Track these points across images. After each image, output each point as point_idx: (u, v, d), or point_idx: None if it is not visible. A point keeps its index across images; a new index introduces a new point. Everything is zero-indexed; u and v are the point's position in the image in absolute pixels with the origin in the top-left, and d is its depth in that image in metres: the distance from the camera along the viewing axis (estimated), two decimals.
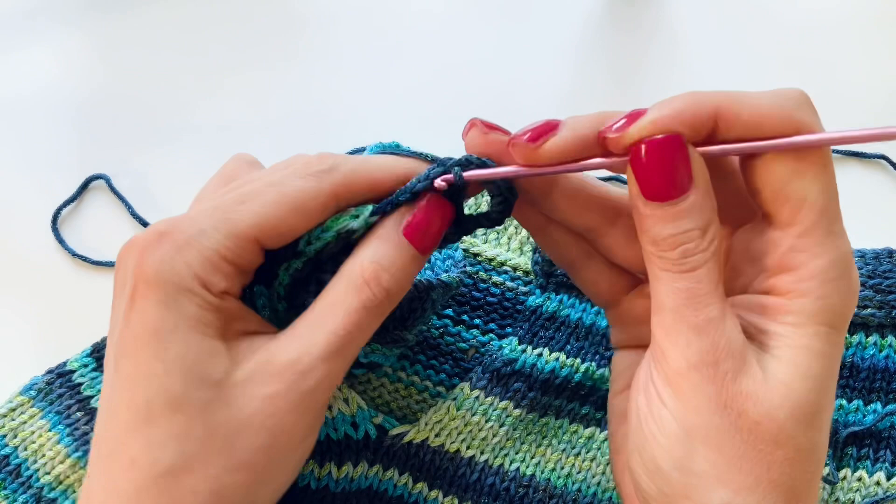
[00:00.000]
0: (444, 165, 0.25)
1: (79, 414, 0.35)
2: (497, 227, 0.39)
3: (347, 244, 0.25)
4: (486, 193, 0.27)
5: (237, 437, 0.23)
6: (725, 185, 0.25)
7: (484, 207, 0.37)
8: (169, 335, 0.23)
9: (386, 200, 0.25)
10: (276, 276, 0.25)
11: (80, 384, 0.36)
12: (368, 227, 0.25)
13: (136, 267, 0.23)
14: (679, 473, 0.22)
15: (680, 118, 0.22)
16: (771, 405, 0.22)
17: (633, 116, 0.22)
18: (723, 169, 0.25)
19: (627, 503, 0.26)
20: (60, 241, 0.42)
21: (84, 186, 0.44)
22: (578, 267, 0.28)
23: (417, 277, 0.32)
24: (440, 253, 0.36)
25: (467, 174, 0.25)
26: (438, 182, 0.25)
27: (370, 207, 0.25)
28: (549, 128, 0.23)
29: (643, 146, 0.22)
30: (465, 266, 0.36)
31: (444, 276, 0.32)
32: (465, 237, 0.38)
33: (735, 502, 0.22)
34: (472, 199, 0.38)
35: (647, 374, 0.24)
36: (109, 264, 0.42)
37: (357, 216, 0.25)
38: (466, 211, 0.27)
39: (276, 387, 0.23)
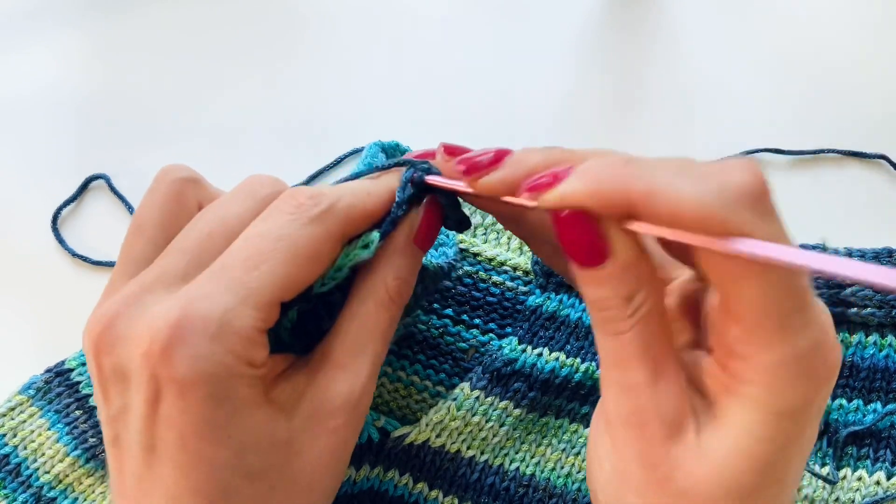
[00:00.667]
0: (412, 167, 0.27)
1: (77, 412, 0.35)
2: (498, 227, 0.39)
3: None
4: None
5: (315, 477, 0.24)
6: None
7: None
8: (227, 423, 0.22)
9: (387, 222, 0.26)
10: (284, 315, 0.25)
11: (79, 383, 0.36)
12: None
13: (162, 365, 0.21)
14: None
15: (595, 197, 0.21)
16: (699, 478, 0.21)
17: (546, 184, 0.22)
18: None
19: None
20: (60, 240, 0.42)
21: (84, 186, 0.44)
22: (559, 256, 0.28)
23: None
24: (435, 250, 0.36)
25: (430, 178, 0.26)
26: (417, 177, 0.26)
27: (376, 234, 0.26)
28: (491, 162, 0.24)
29: (557, 218, 0.21)
30: (456, 257, 0.36)
31: (434, 260, 0.32)
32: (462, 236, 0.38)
33: None
34: None
35: (596, 414, 0.25)
36: (109, 264, 0.42)
37: (367, 246, 0.25)
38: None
39: (339, 422, 0.24)
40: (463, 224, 0.29)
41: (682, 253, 0.24)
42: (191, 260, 0.23)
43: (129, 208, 0.44)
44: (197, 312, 0.21)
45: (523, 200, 0.23)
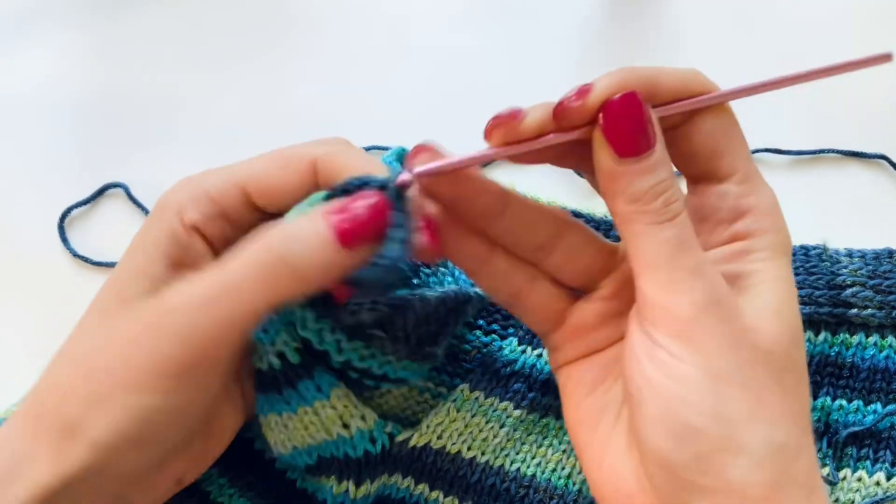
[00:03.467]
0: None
1: None
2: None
3: None
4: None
5: (99, 348, 0.25)
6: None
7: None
8: (130, 249, 0.27)
9: (338, 185, 0.25)
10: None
11: None
12: None
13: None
14: (715, 424, 0.22)
15: (627, 83, 0.24)
16: (774, 333, 0.23)
17: (585, 89, 0.24)
18: None
19: None
20: (65, 241, 0.43)
21: (100, 192, 0.44)
22: (522, 293, 0.28)
23: (447, 290, 0.31)
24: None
25: (419, 169, 0.24)
26: (402, 178, 0.24)
27: (323, 193, 0.25)
28: (519, 111, 0.25)
29: (612, 106, 0.23)
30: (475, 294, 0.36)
31: (478, 289, 0.32)
32: None
33: (773, 437, 0.22)
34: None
35: (649, 344, 0.23)
36: (110, 265, 0.42)
37: (311, 203, 0.25)
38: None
39: (145, 316, 0.25)
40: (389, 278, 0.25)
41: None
42: None
43: (146, 213, 0.44)
44: (194, 174, 0.28)
45: (545, 139, 0.24)
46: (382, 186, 0.24)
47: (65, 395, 0.24)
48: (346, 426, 0.30)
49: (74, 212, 0.44)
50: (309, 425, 0.29)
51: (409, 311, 0.29)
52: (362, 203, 0.24)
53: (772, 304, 0.24)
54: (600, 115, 0.24)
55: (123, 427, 0.24)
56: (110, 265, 0.42)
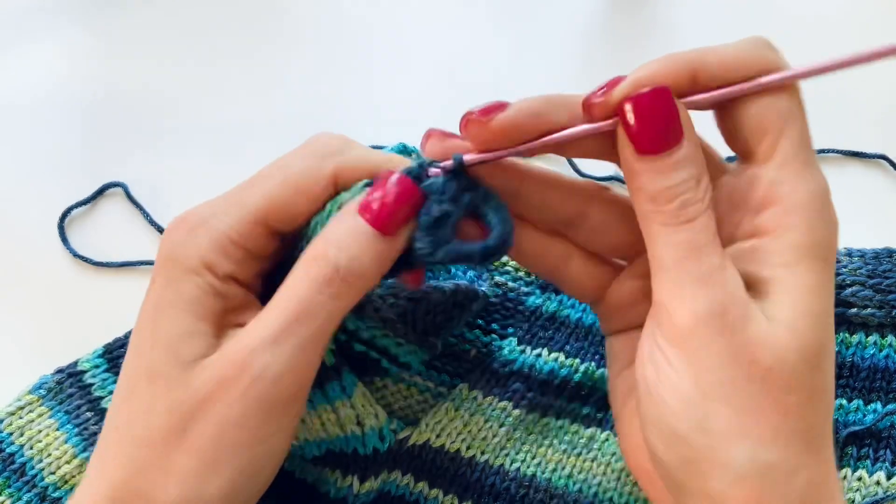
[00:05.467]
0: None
1: (89, 414, 0.35)
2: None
3: None
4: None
5: (191, 420, 0.23)
6: None
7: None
8: (163, 312, 0.24)
9: (360, 184, 0.25)
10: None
11: (91, 385, 0.36)
12: None
13: (160, 247, 0.25)
14: (698, 435, 0.22)
15: (660, 74, 0.23)
16: (780, 349, 0.22)
17: (614, 82, 0.23)
18: None
19: (646, 486, 0.26)
20: (65, 241, 0.43)
21: (100, 192, 0.44)
22: (559, 267, 0.28)
23: (458, 283, 0.32)
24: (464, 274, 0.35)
25: (468, 157, 0.24)
26: (433, 170, 0.25)
27: (363, 182, 0.25)
28: (498, 105, 0.24)
29: (633, 101, 0.22)
30: (493, 277, 0.36)
31: (485, 287, 0.32)
32: None
33: (758, 455, 0.21)
34: None
35: (652, 343, 0.24)
36: (110, 265, 0.42)
37: (351, 192, 0.25)
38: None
39: (224, 372, 0.23)
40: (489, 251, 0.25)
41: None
42: None
43: (146, 216, 0.43)
44: (195, 211, 0.25)
45: (568, 133, 0.23)
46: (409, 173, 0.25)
47: (163, 483, 0.23)
48: (360, 424, 0.30)
49: (74, 212, 0.44)
50: (326, 422, 0.30)
51: (422, 300, 0.29)
52: (385, 187, 0.24)
53: (785, 316, 0.22)
54: (624, 108, 0.23)
55: (239, 489, 0.24)
56: (110, 265, 0.42)
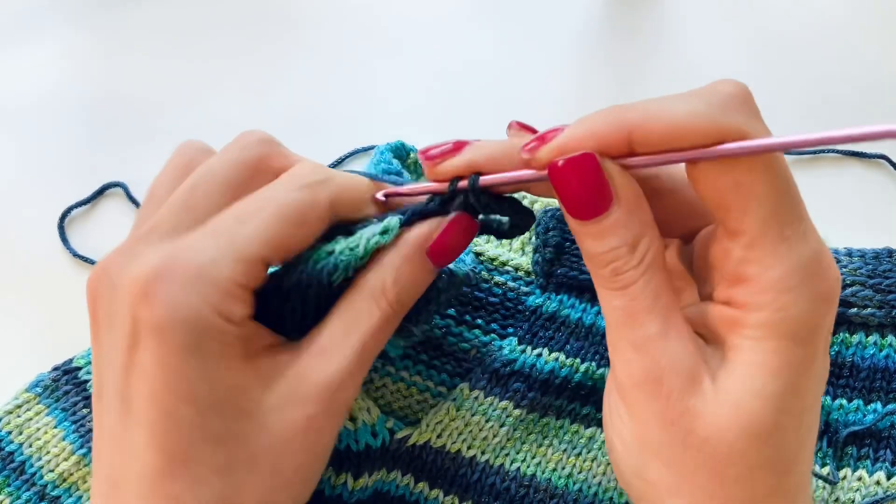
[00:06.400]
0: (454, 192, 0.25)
1: (84, 410, 0.35)
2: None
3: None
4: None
5: (281, 459, 0.23)
6: (674, 196, 0.24)
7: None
8: (196, 377, 0.22)
9: (412, 210, 0.25)
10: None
11: (86, 381, 0.36)
12: None
13: (141, 307, 0.21)
14: (637, 481, 0.23)
15: (591, 137, 0.21)
16: (720, 424, 0.21)
17: (544, 138, 0.22)
18: (672, 178, 0.24)
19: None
20: (65, 240, 0.43)
21: (100, 192, 0.45)
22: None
23: None
24: None
25: (484, 179, 0.24)
26: (461, 184, 0.25)
27: (397, 220, 0.25)
28: (454, 148, 0.24)
29: (556, 168, 0.22)
30: (473, 263, 0.36)
31: (451, 266, 0.32)
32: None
33: None
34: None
35: (610, 385, 0.24)
36: None
37: (386, 232, 0.25)
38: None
39: (313, 408, 0.23)
40: (517, 226, 0.26)
41: (672, 208, 0.24)
42: (185, 212, 0.24)
43: None
44: (181, 259, 0.22)
45: (516, 174, 0.23)
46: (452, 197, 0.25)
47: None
48: (352, 419, 0.31)
49: (74, 212, 0.44)
50: None
51: None
52: (456, 230, 0.25)
53: (735, 392, 0.21)
54: (551, 173, 0.22)
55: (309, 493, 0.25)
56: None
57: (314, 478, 0.25)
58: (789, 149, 0.20)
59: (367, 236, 0.25)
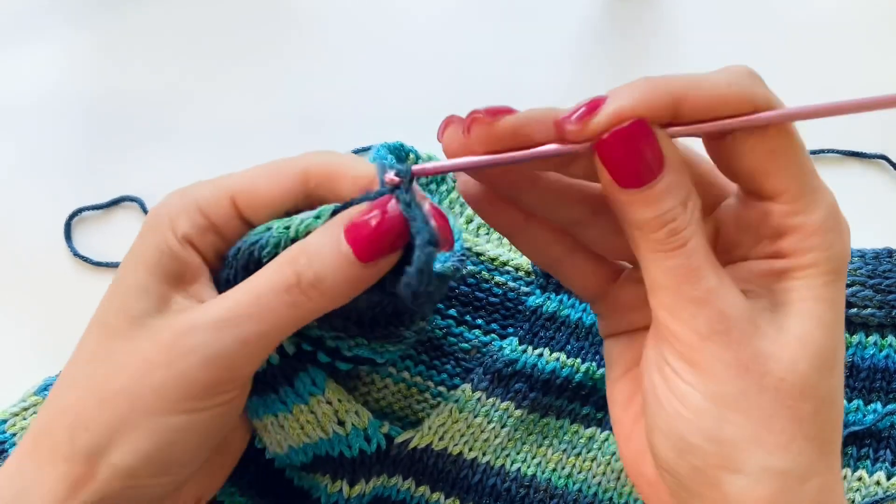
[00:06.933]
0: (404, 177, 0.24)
1: None
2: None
3: None
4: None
5: (115, 372, 0.24)
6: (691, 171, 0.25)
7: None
8: (126, 263, 0.26)
9: (348, 202, 0.25)
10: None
11: None
12: None
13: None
14: (711, 445, 0.22)
15: (641, 105, 0.22)
16: (792, 359, 0.22)
17: (593, 106, 0.22)
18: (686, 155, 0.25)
19: (647, 490, 0.26)
20: (69, 243, 0.43)
21: (115, 203, 0.44)
22: (562, 263, 0.28)
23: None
24: None
25: (416, 167, 0.24)
26: (389, 176, 0.24)
27: (329, 207, 0.25)
28: (506, 109, 0.24)
29: (610, 137, 0.22)
30: (462, 256, 0.35)
31: (438, 267, 0.31)
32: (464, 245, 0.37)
33: (772, 463, 0.22)
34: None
35: (658, 355, 0.24)
36: (111, 265, 0.42)
37: (319, 216, 0.25)
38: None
39: (163, 338, 0.24)
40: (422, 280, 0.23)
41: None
42: None
43: None
44: (190, 184, 0.27)
45: (539, 150, 0.23)
46: (391, 191, 0.24)
47: (78, 422, 0.24)
48: (341, 423, 0.30)
49: (85, 216, 0.44)
50: (305, 424, 0.30)
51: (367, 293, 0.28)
52: (376, 214, 0.24)
53: (798, 327, 0.22)
54: (601, 143, 0.22)
55: (148, 451, 0.24)
56: (111, 265, 0.42)
57: (142, 428, 0.24)
58: (829, 115, 0.22)
59: (300, 218, 0.25)
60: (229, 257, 0.26)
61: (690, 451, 0.23)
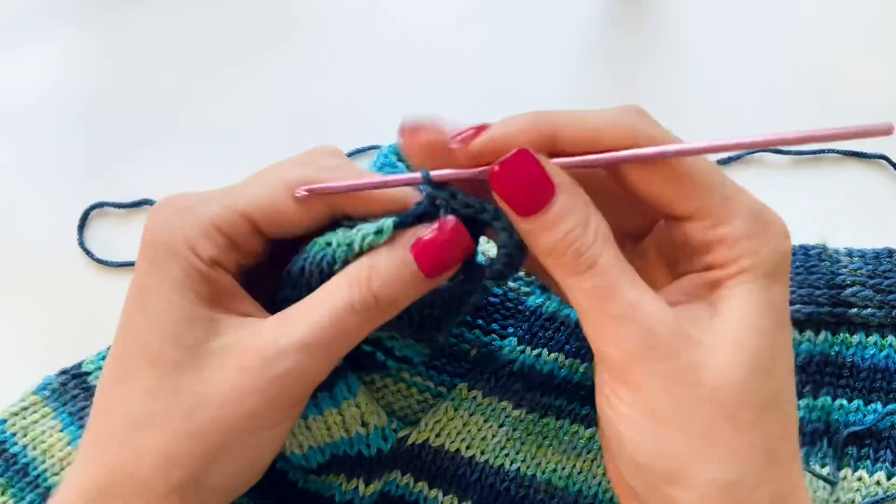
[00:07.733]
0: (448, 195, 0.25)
1: None
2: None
3: None
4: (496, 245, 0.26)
5: (199, 404, 0.23)
6: (617, 196, 0.25)
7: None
8: (152, 292, 0.24)
9: (406, 213, 0.25)
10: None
11: (95, 387, 0.36)
12: None
13: (144, 228, 0.25)
14: (657, 462, 0.22)
15: (523, 134, 0.23)
16: (725, 367, 0.22)
17: (479, 130, 0.23)
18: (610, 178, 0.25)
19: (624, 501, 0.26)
20: (81, 243, 0.43)
21: (135, 205, 0.44)
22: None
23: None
24: None
25: (435, 173, 0.25)
26: (408, 189, 0.26)
27: (391, 221, 0.25)
28: (476, 131, 0.24)
29: (500, 167, 0.23)
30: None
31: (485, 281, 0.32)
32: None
33: (717, 475, 0.21)
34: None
35: (601, 380, 0.24)
36: (111, 264, 0.42)
37: (380, 232, 0.25)
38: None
39: (247, 363, 0.24)
40: (508, 267, 0.25)
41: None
42: None
43: None
44: (186, 196, 0.26)
45: (448, 172, 0.24)
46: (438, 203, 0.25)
47: (171, 463, 0.23)
48: (364, 424, 0.31)
49: (97, 215, 0.44)
50: (332, 426, 0.30)
51: None
52: (442, 234, 0.25)
53: (730, 333, 0.22)
54: (490, 176, 0.23)
55: (241, 468, 0.25)
56: (110, 265, 0.42)
57: (236, 450, 0.24)
58: (706, 153, 0.22)
59: (362, 234, 0.25)
60: (293, 273, 0.26)
61: (642, 471, 0.23)
